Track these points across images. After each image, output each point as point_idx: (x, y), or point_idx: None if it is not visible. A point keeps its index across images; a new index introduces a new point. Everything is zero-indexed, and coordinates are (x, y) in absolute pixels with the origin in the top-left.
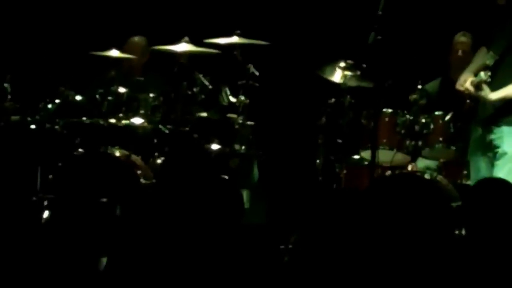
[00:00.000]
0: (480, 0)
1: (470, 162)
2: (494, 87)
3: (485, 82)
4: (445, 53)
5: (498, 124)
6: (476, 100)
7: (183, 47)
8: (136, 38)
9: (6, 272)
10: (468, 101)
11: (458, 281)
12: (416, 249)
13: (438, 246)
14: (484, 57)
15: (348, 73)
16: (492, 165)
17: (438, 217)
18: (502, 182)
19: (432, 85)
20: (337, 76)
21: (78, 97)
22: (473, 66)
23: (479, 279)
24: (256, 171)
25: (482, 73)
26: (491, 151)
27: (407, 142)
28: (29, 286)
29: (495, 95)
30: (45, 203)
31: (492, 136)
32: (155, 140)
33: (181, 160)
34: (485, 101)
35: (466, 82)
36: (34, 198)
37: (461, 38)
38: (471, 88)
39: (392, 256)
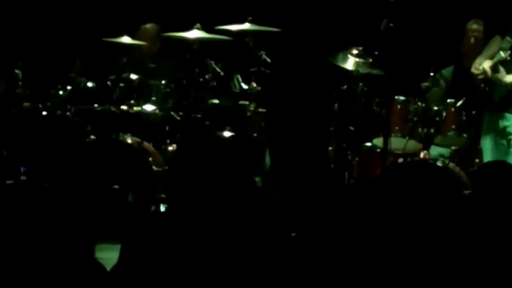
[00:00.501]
0: None
1: (483, 148)
2: (509, 72)
3: (504, 61)
4: (457, 40)
5: (510, 111)
6: (491, 84)
7: (195, 34)
8: (148, 26)
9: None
10: (482, 85)
11: (468, 266)
12: (428, 238)
13: (449, 234)
14: (499, 42)
15: (360, 60)
16: (505, 152)
17: (450, 205)
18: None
19: (446, 72)
20: (349, 63)
21: (90, 84)
22: (488, 51)
23: (490, 264)
24: (267, 159)
25: (501, 52)
26: (504, 138)
27: (420, 130)
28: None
29: (511, 78)
30: (56, 189)
31: (505, 123)
32: (167, 127)
33: (193, 147)
34: (500, 84)
35: (481, 65)
36: (46, 185)
37: (474, 26)
38: (488, 70)
39: (404, 244)
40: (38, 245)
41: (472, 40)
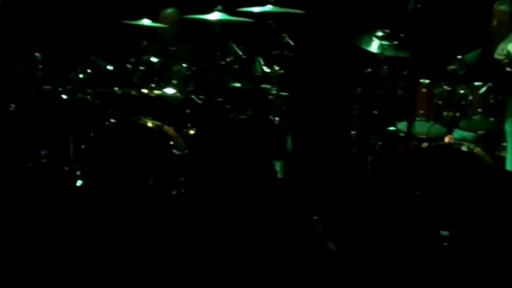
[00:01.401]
0: None
1: (507, 132)
2: None
3: None
4: (485, 22)
5: None
6: None
7: (216, 16)
8: (168, 10)
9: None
10: (508, 69)
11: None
12: (453, 221)
13: (477, 218)
14: None
15: (385, 42)
16: None
17: (474, 189)
18: None
19: (472, 56)
20: (374, 46)
21: (110, 67)
22: None
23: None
24: (290, 142)
25: None
26: None
27: (445, 114)
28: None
29: None
30: (78, 173)
31: None
32: (188, 111)
33: (213, 131)
34: None
35: (504, 49)
36: (67, 168)
37: (501, 7)
38: None
39: (430, 226)
40: (56, 228)
41: (496, 22)
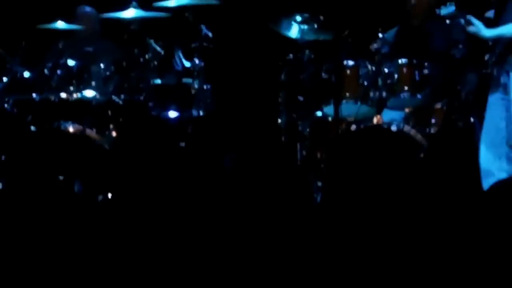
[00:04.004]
0: None
1: (488, 102)
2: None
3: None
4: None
5: (506, 69)
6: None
7: (132, 12)
8: (86, 8)
9: None
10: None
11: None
12: (388, 204)
13: (409, 198)
14: None
15: (305, 26)
16: (508, 109)
17: (407, 169)
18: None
19: (388, 35)
20: (294, 31)
21: (27, 74)
22: None
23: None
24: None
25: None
26: (507, 94)
27: (371, 94)
28: None
29: (489, 32)
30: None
31: (507, 80)
32: (109, 112)
33: (135, 131)
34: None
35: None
36: None
37: None
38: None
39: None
40: None
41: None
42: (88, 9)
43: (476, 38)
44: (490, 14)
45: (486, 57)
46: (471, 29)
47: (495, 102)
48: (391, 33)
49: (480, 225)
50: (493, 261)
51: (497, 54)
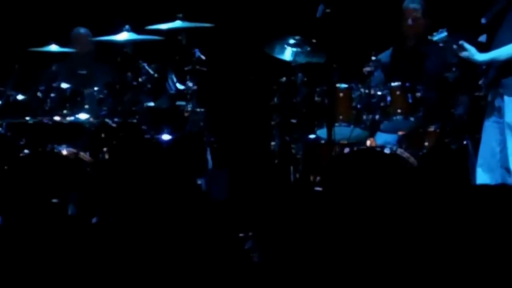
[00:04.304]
0: None
1: (483, 126)
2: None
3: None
4: (397, 22)
5: (500, 92)
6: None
7: (125, 36)
8: (81, 29)
9: None
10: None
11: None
12: (381, 227)
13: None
14: None
15: (298, 49)
16: (503, 132)
17: (400, 190)
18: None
19: (385, 55)
20: (287, 54)
21: (20, 97)
22: None
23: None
24: (209, 158)
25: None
26: (501, 118)
27: (364, 117)
28: None
29: (482, 57)
30: None
31: (501, 104)
32: (103, 135)
33: (128, 154)
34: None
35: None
36: None
37: (411, 5)
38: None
39: (358, 233)
40: None
41: (410, 21)
42: (82, 30)
43: (469, 62)
44: (482, 38)
45: (481, 81)
46: (464, 54)
47: (490, 126)
48: (385, 55)
49: (475, 249)
50: (487, 282)
51: (491, 78)
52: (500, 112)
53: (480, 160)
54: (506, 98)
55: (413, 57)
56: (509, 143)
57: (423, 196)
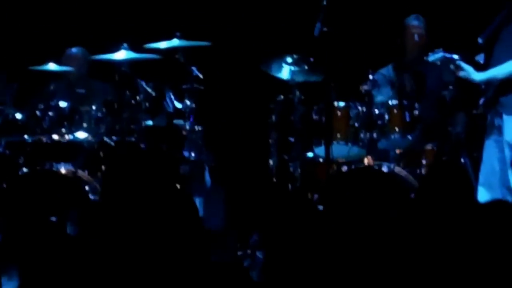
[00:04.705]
0: None
1: (484, 144)
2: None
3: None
4: (395, 38)
5: (499, 111)
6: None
7: (123, 54)
8: (74, 49)
9: None
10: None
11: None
12: (378, 244)
13: (400, 238)
14: None
15: (295, 68)
16: (503, 150)
17: (398, 209)
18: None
19: (387, 71)
20: (284, 72)
21: (19, 115)
22: None
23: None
24: (208, 177)
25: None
26: (501, 136)
27: (362, 135)
28: None
29: (479, 76)
30: None
31: (500, 122)
32: (101, 153)
33: (128, 171)
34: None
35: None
36: None
37: (415, 22)
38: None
39: (355, 252)
40: None
41: (416, 37)
42: (76, 50)
43: (467, 81)
44: (479, 58)
45: (481, 101)
46: (461, 74)
47: (490, 145)
48: (387, 70)
49: (474, 266)
50: None
51: (489, 97)
52: (500, 130)
53: (481, 179)
54: (505, 116)
55: (414, 74)
56: (509, 162)
57: (423, 215)
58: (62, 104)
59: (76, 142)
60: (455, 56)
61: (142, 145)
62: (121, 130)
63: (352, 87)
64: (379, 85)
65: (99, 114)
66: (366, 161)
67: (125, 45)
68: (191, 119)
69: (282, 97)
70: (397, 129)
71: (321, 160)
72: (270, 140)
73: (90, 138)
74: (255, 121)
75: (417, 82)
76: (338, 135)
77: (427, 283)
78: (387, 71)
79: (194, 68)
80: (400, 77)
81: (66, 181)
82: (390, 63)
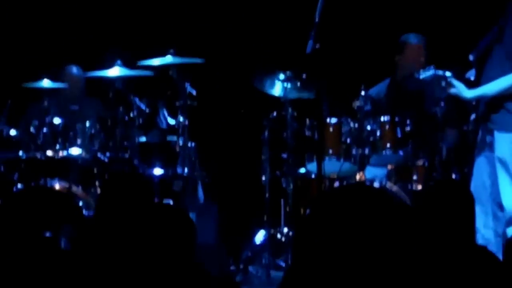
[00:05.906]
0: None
1: (475, 161)
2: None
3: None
4: (390, 55)
5: (490, 127)
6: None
7: (116, 71)
8: (69, 67)
9: None
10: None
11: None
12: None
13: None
14: None
15: (288, 84)
16: (494, 166)
17: (390, 226)
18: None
19: (379, 89)
20: (277, 89)
21: (13, 132)
22: None
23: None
24: (201, 193)
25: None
26: (492, 152)
27: (354, 151)
28: None
29: (470, 93)
30: None
31: (491, 139)
32: (95, 170)
33: (121, 188)
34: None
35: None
36: None
37: (415, 39)
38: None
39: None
40: None
41: (417, 54)
42: (73, 69)
43: (458, 97)
44: (470, 75)
45: (472, 117)
46: (452, 91)
47: (481, 161)
48: (378, 89)
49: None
50: None
51: (480, 114)
52: (491, 146)
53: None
54: (496, 133)
55: (408, 91)
56: (500, 178)
57: (412, 231)
58: (56, 120)
59: (70, 159)
60: (447, 73)
61: (135, 161)
62: (114, 146)
63: (344, 103)
64: (372, 100)
65: (93, 131)
66: (358, 177)
67: (118, 61)
68: (184, 136)
69: (274, 113)
70: (388, 145)
71: (313, 176)
72: (262, 156)
73: (84, 154)
74: (248, 138)
75: (411, 99)
76: (330, 151)
77: None
78: (378, 89)
79: (187, 85)
80: (393, 94)
81: (60, 197)
82: (385, 79)
